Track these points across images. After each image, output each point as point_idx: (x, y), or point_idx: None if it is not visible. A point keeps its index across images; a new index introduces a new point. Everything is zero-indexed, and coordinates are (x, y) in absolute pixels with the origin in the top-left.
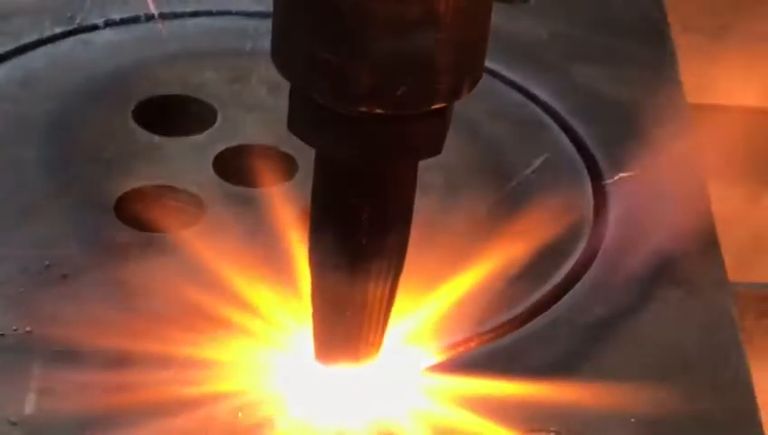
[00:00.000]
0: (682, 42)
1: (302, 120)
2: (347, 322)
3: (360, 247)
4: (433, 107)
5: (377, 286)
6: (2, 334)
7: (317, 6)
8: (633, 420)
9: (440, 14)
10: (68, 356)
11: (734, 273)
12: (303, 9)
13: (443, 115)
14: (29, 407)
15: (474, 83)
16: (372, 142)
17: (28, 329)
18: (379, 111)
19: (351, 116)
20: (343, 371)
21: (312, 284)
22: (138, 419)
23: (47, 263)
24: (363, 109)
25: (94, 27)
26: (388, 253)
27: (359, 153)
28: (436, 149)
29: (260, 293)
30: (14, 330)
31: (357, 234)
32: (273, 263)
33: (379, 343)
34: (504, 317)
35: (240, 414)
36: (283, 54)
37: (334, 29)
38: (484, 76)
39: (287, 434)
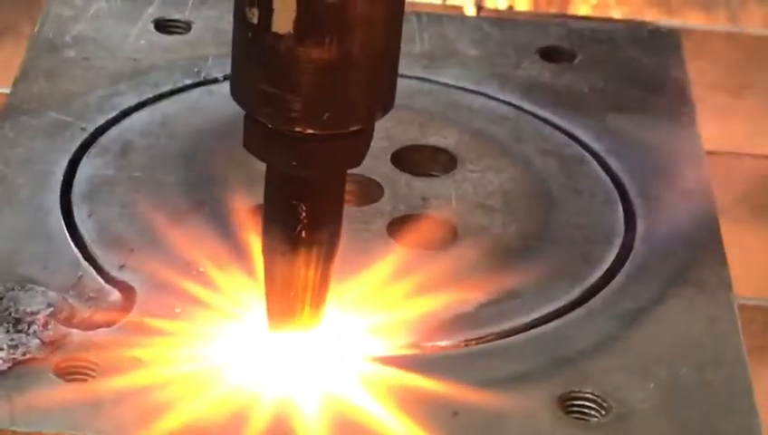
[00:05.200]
0: (708, 98)
1: (253, 139)
2: (291, 298)
3: (299, 238)
4: (352, 128)
5: (314, 269)
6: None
7: (261, 52)
8: (652, 385)
9: (354, 57)
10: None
11: None
12: (252, 55)
13: (362, 134)
14: None
15: (386, 110)
16: (306, 156)
17: (177, 310)
18: (309, 131)
19: (290, 135)
20: (294, 338)
21: (264, 268)
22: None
23: (187, 261)
24: (298, 130)
25: (216, 80)
26: (322, 243)
27: (296, 164)
28: (357, 162)
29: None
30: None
31: (297, 228)
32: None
33: (319, 315)
34: (551, 308)
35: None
36: (238, 88)
37: (273, 69)
38: (537, 122)
39: (239, 392)
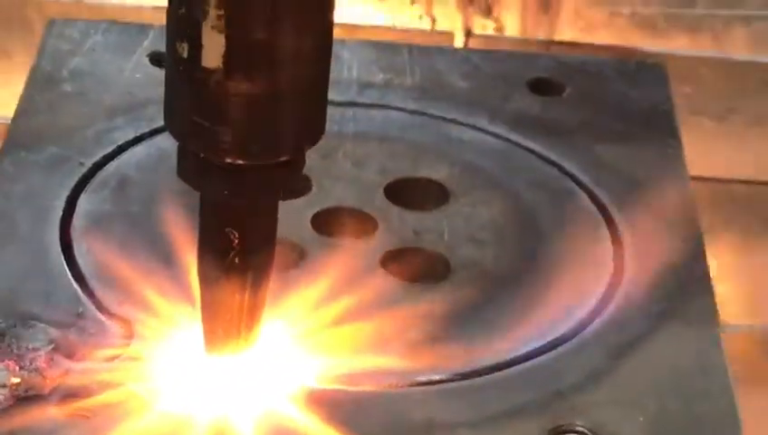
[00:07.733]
0: (692, 123)
1: (187, 169)
2: (226, 322)
3: (232, 264)
4: (282, 159)
5: (248, 295)
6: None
7: (192, 86)
8: (641, 418)
9: (282, 91)
10: None
11: None
12: (183, 87)
13: (292, 164)
14: None
15: (314, 142)
16: (238, 185)
17: (177, 343)
18: (240, 161)
19: (222, 166)
20: (231, 361)
21: (200, 293)
22: None
23: (186, 295)
24: (229, 160)
25: None
26: (254, 269)
27: (228, 193)
28: (288, 191)
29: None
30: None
31: (230, 254)
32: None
33: (254, 338)
34: (541, 341)
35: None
36: (171, 120)
37: (204, 102)
38: (526, 154)
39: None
